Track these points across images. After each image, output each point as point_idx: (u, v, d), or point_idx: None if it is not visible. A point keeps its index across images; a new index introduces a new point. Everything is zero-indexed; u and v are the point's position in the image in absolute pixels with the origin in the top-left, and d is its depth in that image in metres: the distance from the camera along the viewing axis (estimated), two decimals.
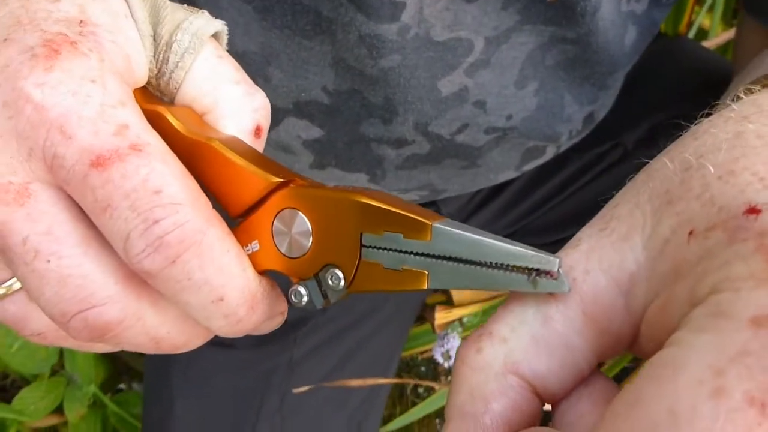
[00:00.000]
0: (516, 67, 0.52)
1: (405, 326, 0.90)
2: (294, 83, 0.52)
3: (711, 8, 1.03)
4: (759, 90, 0.27)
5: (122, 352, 1.13)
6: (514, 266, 0.24)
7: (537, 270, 0.24)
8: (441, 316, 0.99)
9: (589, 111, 0.60)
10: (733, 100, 0.26)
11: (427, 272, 0.26)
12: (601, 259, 0.24)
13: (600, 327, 0.24)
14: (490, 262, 0.25)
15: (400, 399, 1.20)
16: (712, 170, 0.23)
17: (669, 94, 0.70)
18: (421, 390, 1.21)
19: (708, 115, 0.26)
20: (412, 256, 0.26)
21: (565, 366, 0.24)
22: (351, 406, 0.79)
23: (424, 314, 1.03)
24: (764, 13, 0.52)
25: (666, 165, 0.25)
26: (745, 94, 0.26)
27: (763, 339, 0.18)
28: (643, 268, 0.23)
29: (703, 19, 1.05)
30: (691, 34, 1.03)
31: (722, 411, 0.17)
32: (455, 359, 0.26)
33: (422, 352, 1.18)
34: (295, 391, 0.74)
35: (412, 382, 1.06)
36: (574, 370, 0.24)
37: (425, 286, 0.26)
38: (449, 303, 0.99)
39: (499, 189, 0.73)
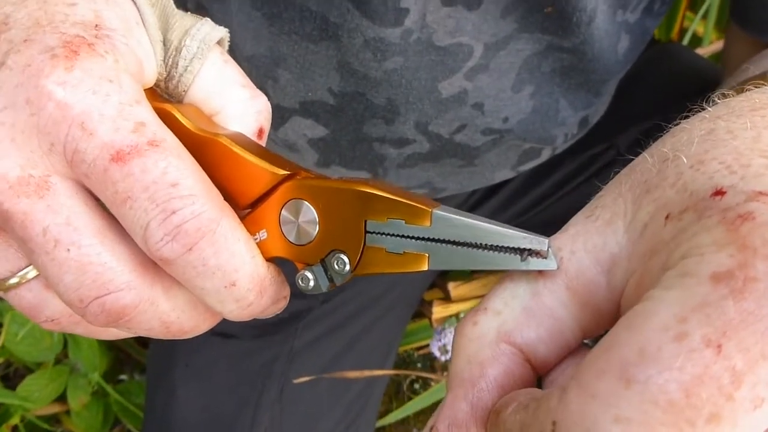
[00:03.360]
0: (513, 71, 0.54)
1: (403, 319, 0.92)
2: (301, 83, 0.54)
3: (705, 15, 1.05)
4: (732, 95, 0.29)
5: (125, 343, 1.14)
6: (507, 247, 0.27)
7: (528, 250, 0.27)
8: (438, 311, 1.01)
9: (584, 116, 0.62)
10: (709, 104, 0.29)
11: (427, 255, 0.28)
12: (586, 242, 0.27)
13: (583, 301, 0.27)
14: (486, 244, 0.27)
15: (396, 395, 1.22)
16: (685, 161, 0.25)
17: (661, 98, 0.73)
18: (417, 386, 1.23)
19: (686, 117, 0.29)
20: (413, 240, 0.28)
21: (553, 335, 0.27)
22: (349, 397, 0.81)
23: (422, 309, 1.05)
24: (750, 23, 0.54)
25: (646, 159, 0.27)
26: (720, 98, 0.29)
27: (721, 291, 0.20)
28: (624, 250, 0.26)
29: (697, 26, 1.07)
30: (685, 41, 1.05)
31: (683, 351, 0.20)
32: (455, 334, 0.28)
33: (419, 348, 1.20)
34: (296, 381, 0.76)
35: (409, 373, 1.08)
36: (561, 339, 0.27)
37: (426, 267, 0.29)
38: (447, 299, 1.01)
39: (495, 188, 0.75)
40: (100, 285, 0.29)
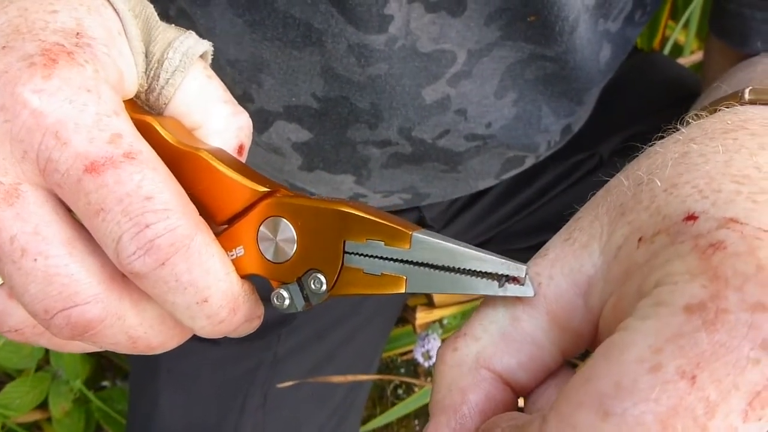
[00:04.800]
0: (496, 78, 0.54)
1: (386, 326, 0.92)
2: (285, 89, 0.54)
3: (686, 25, 1.07)
4: (705, 116, 0.30)
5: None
6: (485, 273, 0.27)
7: (506, 276, 0.27)
8: (422, 317, 1.01)
9: (566, 123, 0.63)
10: (683, 125, 0.29)
11: (405, 277, 0.28)
12: (563, 266, 0.27)
13: (562, 325, 0.27)
14: (464, 269, 0.27)
15: (380, 400, 1.22)
16: (659, 184, 0.26)
17: (642, 107, 0.73)
18: (400, 392, 1.23)
19: (662, 137, 0.30)
20: (391, 262, 0.28)
21: (533, 360, 0.27)
22: (332, 404, 0.81)
23: (406, 315, 1.05)
24: (727, 34, 0.55)
25: (621, 182, 0.28)
26: (693, 119, 0.30)
27: (694, 322, 0.21)
28: (599, 272, 0.26)
29: (678, 35, 1.08)
30: (667, 50, 1.06)
31: (658, 383, 0.20)
32: (435, 361, 0.29)
33: (402, 354, 1.20)
34: (280, 385, 0.76)
35: (392, 378, 1.08)
36: (541, 363, 0.27)
37: (403, 290, 0.28)
38: (430, 304, 1.01)
39: (478, 195, 0.75)
40: (66, 297, 0.28)
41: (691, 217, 0.23)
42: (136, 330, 0.31)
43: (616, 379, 0.21)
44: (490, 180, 0.66)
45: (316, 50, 0.51)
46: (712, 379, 0.20)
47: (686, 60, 1.05)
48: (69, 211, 0.29)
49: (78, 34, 0.29)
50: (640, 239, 0.25)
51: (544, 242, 0.29)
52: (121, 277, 0.30)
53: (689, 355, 0.20)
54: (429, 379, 1.18)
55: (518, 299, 0.27)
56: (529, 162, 0.66)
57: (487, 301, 0.28)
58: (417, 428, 1.20)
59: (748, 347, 0.20)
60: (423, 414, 1.18)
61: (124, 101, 0.31)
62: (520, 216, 0.76)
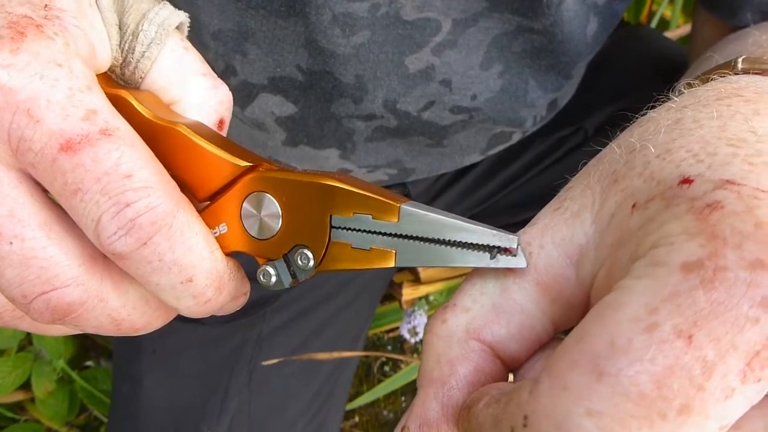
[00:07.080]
0: (482, 49, 0.54)
1: (373, 303, 0.92)
2: (270, 58, 0.53)
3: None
4: (698, 85, 0.29)
5: None
6: (476, 244, 0.26)
7: (497, 247, 0.26)
8: (408, 293, 1.01)
9: (553, 98, 0.62)
10: (674, 93, 0.29)
11: (394, 251, 0.28)
12: (554, 235, 0.26)
13: (552, 295, 0.26)
14: (454, 241, 0.27)
15: (366, 377, 1.23)
16: (653, 150, 0.25)
17: (628, 81, 0.73)
18: (387, 369, 1.23)
19: (653, 107, 0.29)
20: (380, 236, 0.28)
21: (523, 331, 0.27)
22: (317, 381, 0.81)
23: (392, 291, 1.05)
24: (719, 7, 0.54)
25: (613, 149, 0.27)
26: (686, 88, 0.29)
27: (691, 281, 0.20)
28: (591, 241, 0.26)
29: (664, 10, 1.08)
30: (653, 24, 1.06)
31: (654, 342, 0.19)
32: (424, 332, 0.28)
33: (389, 331, 1.21)
34: (264, 363, 0.76)
35: (379, 354, 1.08)
36: (532, 334, 0.27)
37: (392, 264, 0.28)
38: (416, 280, 1.01)
39: (463, 171, 0.75)
40: (44, 280, 0.27)
41: (687, 181, 0.23)
42: (119, 312, 0.30)
43: (610, 339, 0.20)
44: (475, 156, 0.66)
45: (300, 21, 0.50)
46: (710, 338, 0.19)
47: (672, 34, 1.04)
48: (45, 191, 0.28)
49: (46, 6, 0.28)
50: (633, 205, 0.24)
51: (531, 218, 0.29)
52: (102, 259, 0.29)
53: (686, 314, 0.20)
54: (416, 355, 1.18)
55: (508, 270, 0.27)
56: (516, 138, 0.65)
57: (477, 271, 0.28)
58: (404, 404, 1.20)
59: (747, 305, 0.19)
60: (410, 390, 1.18)
61: (97, 75, 0.30)
62: (506, 192, 0.76)
